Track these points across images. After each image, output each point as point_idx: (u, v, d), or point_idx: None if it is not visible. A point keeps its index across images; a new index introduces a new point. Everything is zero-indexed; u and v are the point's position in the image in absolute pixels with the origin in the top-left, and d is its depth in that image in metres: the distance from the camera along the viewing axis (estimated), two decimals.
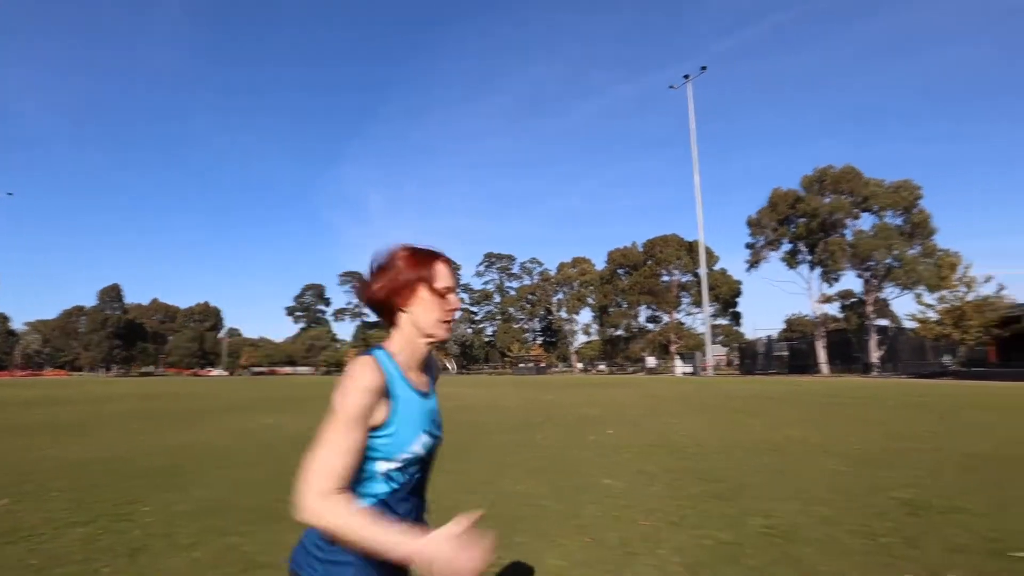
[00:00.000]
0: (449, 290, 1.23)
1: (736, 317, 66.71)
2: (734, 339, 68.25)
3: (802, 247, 51.39)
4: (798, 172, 79.30)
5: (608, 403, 16.29)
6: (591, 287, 73.35)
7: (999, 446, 7.62)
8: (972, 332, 37.46)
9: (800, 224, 50.32)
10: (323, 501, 1.00)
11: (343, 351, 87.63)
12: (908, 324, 44.74)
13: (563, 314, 79.61)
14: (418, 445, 1.16)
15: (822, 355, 49.50)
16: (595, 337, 77.83)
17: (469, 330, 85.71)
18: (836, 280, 50.44)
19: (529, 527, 4.14)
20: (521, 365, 71.57)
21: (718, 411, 13.36)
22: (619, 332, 70.50)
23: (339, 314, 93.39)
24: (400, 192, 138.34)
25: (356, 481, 1.12)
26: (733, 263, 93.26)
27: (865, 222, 48.51)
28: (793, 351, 59.99)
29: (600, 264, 73.40)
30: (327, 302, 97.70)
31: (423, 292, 1.20)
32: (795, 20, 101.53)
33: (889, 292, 48.18)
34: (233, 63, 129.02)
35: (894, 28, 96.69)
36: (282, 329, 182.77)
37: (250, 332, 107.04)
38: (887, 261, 46.36)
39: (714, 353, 69.22)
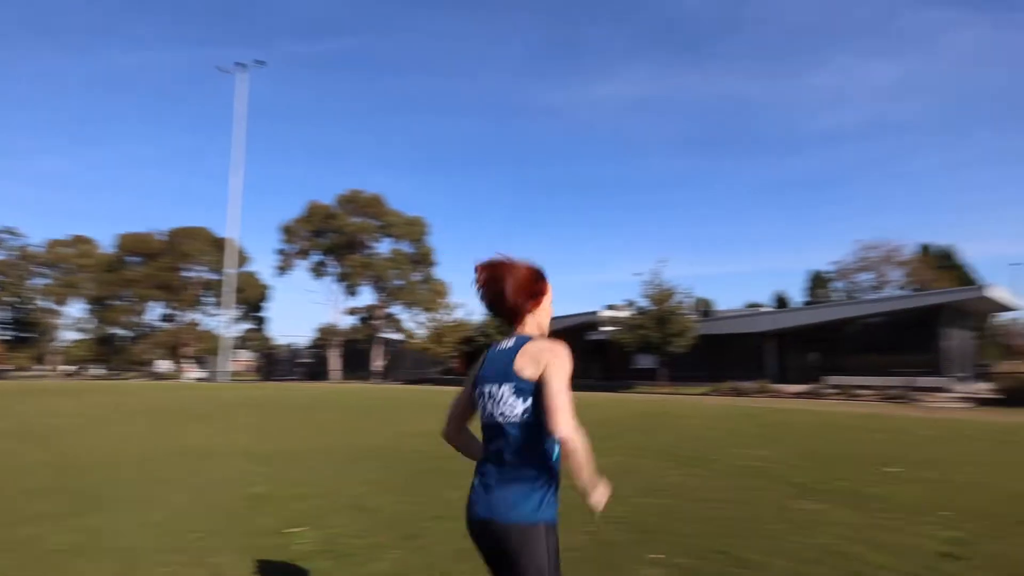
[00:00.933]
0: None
1: (261, 321, 65.93)
2: (262, 344, 67.12)
3: (330, 260, 54.89)
4: (336, 189, 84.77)
5: (33, 415, 13.33)
6: (90, 274, 60.29)
7: (385, 440, 9.43)
8: (447, 346, 47.41)
9: (331, 238, 53.69)
10: (577, 429, 1.45)
11: None
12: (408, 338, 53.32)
13: (45, 303, 62.75)
14: None
15: (336, 363, 53.64)
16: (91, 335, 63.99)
17: None
18: (356, 294, 55.78)
19: None
20: None
21: (174, 419, 12.57)
22: (119, 330, 60.24)
23: None
24: None
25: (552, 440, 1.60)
26: (264, 267, 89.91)
27: (385, 246, 55.40)
28: (315, 358, 63.01)
29: (108, 248, 61.44)
30: None
31: (547, 300, 1.77)
32: (362, 48, 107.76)
33: (398, 309, 56.01)
34: None
35: (437, 89, 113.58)
36: None
37: None
38: (396, 282, 53.95)
39: (239, 358, 66.58)
